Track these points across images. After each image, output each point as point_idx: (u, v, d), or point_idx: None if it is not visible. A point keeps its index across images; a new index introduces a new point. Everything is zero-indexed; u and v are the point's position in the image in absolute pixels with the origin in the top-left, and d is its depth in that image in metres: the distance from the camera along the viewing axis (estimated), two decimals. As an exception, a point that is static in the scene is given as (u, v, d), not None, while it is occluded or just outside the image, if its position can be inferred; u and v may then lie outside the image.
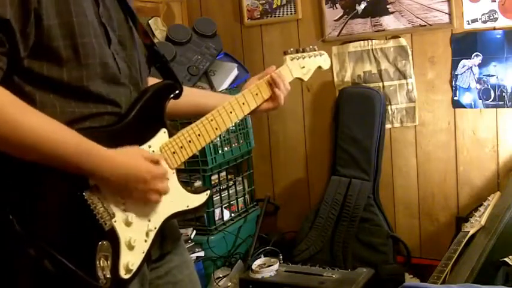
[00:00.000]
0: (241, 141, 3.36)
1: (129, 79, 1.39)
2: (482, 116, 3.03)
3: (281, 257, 2.95)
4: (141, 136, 1.37)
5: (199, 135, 1.46)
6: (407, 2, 3.10)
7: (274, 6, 3.48)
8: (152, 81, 1.54)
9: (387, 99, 3.24)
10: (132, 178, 1.28)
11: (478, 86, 2.99)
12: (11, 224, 1.14)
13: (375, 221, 3.16)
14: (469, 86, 3.02)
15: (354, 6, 3.25)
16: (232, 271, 3.08)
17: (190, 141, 1.44)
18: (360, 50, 3.28)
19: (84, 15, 1.26)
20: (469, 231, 2.58)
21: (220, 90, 3.23)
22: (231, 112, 1.54)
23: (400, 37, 3.17)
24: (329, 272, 2.79)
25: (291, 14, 3.44)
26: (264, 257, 2.98)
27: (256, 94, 1.60)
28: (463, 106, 3.06)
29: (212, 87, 3.26)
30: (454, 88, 3.07)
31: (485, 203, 2.74)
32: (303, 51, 1.73)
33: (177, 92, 1.46)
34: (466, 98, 3.04)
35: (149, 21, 3.46)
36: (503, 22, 2.89)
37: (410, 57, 3.15)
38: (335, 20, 3.31)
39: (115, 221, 1.27)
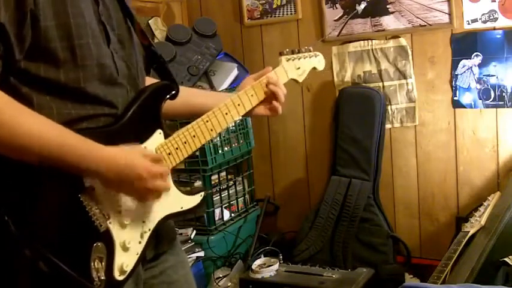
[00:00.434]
0: (241, 141, 3.36)
1: (127, 79, 1.39)
2: (482, 116, 3.02)
3: (281, 257, 2.95)
4: (137, 137, 1.37)
5: (194, 136, 1.46)
6: (407, 2, 3.09)
7: (274, 6, 3.48)
8: (150, 81, 1.54)
9: (387, 99, 3.23)
10: (129, 175, 1.27)
11: (478, 86, 2.99)
12: (6, 225, 1.14)
13: (375, 221, 3.15)
14: (469, 86, 3.02)
15: (354, 6, 3.24)
16: (232, 271, 3.08)
17: (185, 143, 1.44)
18: (360, 50, 3.27)
19: (82, 17, 1.26)
20: (469, 231, 2.57)
21: (220, 90, 3.23)
22: (226, 113, 1.54)
23: (400, 37, 3.17)
24: (329, 272, 2.79)
25: (291, 14, 3.44)
26: (264, 257, 2.98)
27: (252, 95, 1.59)
28: (463, 106, 3.06)
29: (212, 87, 3.27)
30: (454, 88, 3.06)
31: (485, 203, 2.73)
32: (299, 52, 1.72)
33: (173, 92, 1.47)
34: (466, 98, 3.04)
35: (149, 21, 3.46)
36: (503, 22, 2.88)
37: (410, 57, 3.15)
38: (335, 20, 3.31)
39: (110, 223, 1.27)
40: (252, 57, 3.60)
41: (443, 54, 3.07)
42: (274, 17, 3.50)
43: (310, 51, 1.76)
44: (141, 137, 1.38)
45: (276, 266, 2.82)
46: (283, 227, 3.64)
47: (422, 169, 3.22)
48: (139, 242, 1.34)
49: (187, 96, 1.61)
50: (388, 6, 3.15)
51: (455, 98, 3.07)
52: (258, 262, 2.87)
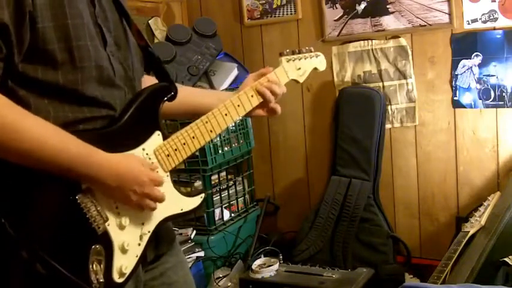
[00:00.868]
0: (241, 141, 3.36)
1: (124, 81, 1.39)
2: (482, 116, 3.02)
3: (281, 257, 2.94)
4: (135, 138, 1.37)
5: (193, 137, 1.46)
6: (407, 2, 3.09)
7: (274, 6, 3.48)
8: (151, 80, 1.53)
9: (387, 99, 3.23)
10: (129, 180, 1.28)
11: (478, 86, 2.99)
12: (3, 227, 1.14)
13: (375, 221, 3.15)
14: (469, 86, 3.02)
15: (354, 6, 3.24)
16: (232, 271, 3.08)
17: (184, 144, 1.44)
18: (360, 50, 3.27)
19: (80, 18, 1.26)
20: (469, 231, 2.57)
21: (220, 90, 3.22)
22: (226, 114, 1.53)
23: (400, 37, 3.16)
24: (329, 272, 2.79)
25: (291, 14, 3.44)
26: (264, 257, 2.97)
27: (252, 96, 1.59)
28: (463, 106, 3.05)
29: (212, 87, 3.26)
30: (454, 88, 3.06)
31: (485, 203, 2.73)
32: (299, 52, 1.72)
33: (171, 94, 1.46)
34: (466, 98, 3.03)
35: (149, 21, 3.46)
36: (503, 22, 2.88)
37: (410, 57, 3.15)
38: (335, 20, 3.31)
39: (108, 225, 1.27)
40: (252, 57, 3.60)
41: (443, 54, 3.07)
42: (274, 17, 3.50)
43: (311, 51, 1.76)
44: (140, 138, 1.38)
45: (276, 266, 2.82)
46: (283, 227, 3.63)
47: (422, 169, 3.22)
48: (139, 244, 1.34)
49: (186, 97, 1.60)
50: (388, 6, 3.15)
51: (455, 98, 3.07)
52: (258, 262, 2.87)
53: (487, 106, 2.99)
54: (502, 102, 2.94)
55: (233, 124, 3.19)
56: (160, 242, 1.48)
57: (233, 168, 3.40)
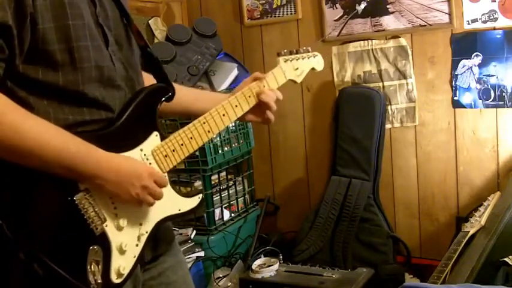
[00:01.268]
0: (241, 141, 3.35)
1: (125, 81, 1.39)
2: (482, 116, 3.02)
3: (281, 257, 2.95)
4: (133, 139, 1.37)
5: (191, 138, 1.46)
6: (407, 2, 3.09)
7: (274, 6, 3.48)
8: (148, 78, 1.53)
9: (387, 99, 3.23)
10: (128, 173, 1.28)
11: (478, 86, 2.99)
12: (1, 228, 1.14)
13: (375, 221, 3.15)
14: (469, 86, 3.01)
15: (354, 6, 3.24)
16: (232, 271, 3.08)
17: (182, 144, 1.44)
18: (360, 50, 3.27)
19: (81, 18, 1.26)
20: (469, 231, 2.57)
21: (220, 90, 3.22)
22: (223, 115, 1.53)
23: (400, 37, 3.16)
24: (329, 272, 2.79)
25: (291, 14, 3.44)
26: (264, 257, 2.97)
27: (249, 96, 1.59)
28: (463, 106, 3.05)
29: (212, 87, 3.26)
30: (454, 88, 3.06)
31: (485, 203, 2.73)
32: (297, 52, 1.71)
33: (169, 95, 1.46)
34: (466, 98, 3.03)
35: (149, 21, 3.46)
36: (503, 22, 2.88)
37: (410, 57, 3.15)
38: (335, 20, 3.31)
39: (106, 226, 1.27)
40: (252, 57, 3.59)
41: (443, 54, 3.07)
42: (274, 17, 3.50)
43: (309, 51, 1.76)
44: (138, 139, 1.38)
45: (276, 266, 2.82)
46: (283, 227, 3.63)
47: (422, 169, 3.21)
48: (137, 245, 1.34)
49: (184, 97, 1.60)
50: (388, 6, 3.15)
51: (455, 98, 3.07)
52: (258, 262, 2.87)
53: (487, 106, 2.99)
54: (502, 102, 2.94)
55: (233, 124, 3.20)
56: (158, 242, 1.48)
57: (233, 168, 3.40)
